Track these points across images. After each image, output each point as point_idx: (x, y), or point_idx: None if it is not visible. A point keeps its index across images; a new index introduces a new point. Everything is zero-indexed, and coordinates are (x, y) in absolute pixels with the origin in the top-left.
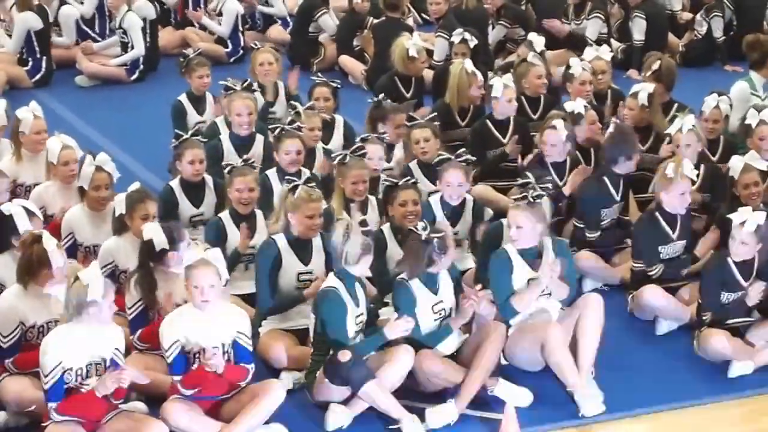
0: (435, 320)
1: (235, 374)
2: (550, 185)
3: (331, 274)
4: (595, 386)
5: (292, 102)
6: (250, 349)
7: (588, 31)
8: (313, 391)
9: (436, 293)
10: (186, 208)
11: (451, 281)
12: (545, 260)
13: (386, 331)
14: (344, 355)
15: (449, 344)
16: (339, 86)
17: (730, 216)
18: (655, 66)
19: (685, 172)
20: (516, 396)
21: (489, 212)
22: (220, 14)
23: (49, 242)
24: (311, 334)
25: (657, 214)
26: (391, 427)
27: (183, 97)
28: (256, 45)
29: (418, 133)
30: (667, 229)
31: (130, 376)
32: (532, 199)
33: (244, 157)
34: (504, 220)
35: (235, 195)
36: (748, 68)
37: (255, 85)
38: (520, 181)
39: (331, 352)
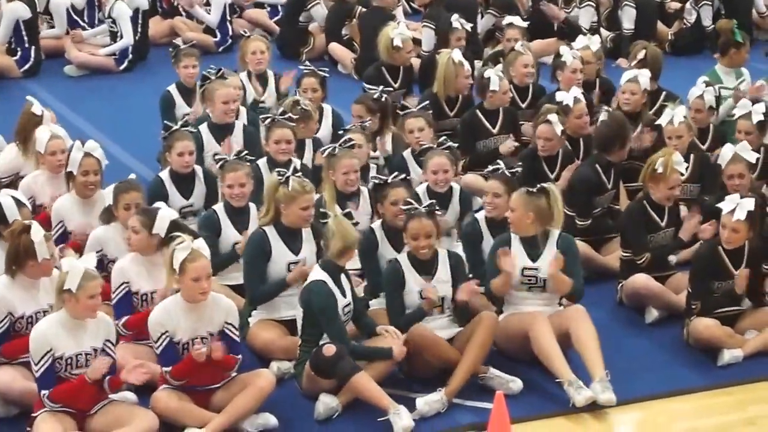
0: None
1: (223, 362)
2: (519, 170)
3: (317, 266)
4: (611, 391)
5: (297, 98)
6: (238, 339)
7: (581, 20)
8: (303, 381)
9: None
10: (176, 199)
11: (449, 269)
12: (547, 254)
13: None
14: (329, 350)
15: (441, 334)
16: (327, 75)
17: (719, 205)
18: (641, 55)
19: (675, 166)
20: (506, 384)
21: (478, 201)
22: (207, 4)
23: (37, 233)
24: (299, 325)
25: (645, 203)
26: (380, 419)
27: (172, 88)
28: (245, 33)
29: (413, 122)
30: (656, 217)
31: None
32: (536, 190)
33: (236, 149)
34: (478, 215)
35: (227, 191)
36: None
37: (245, 74)
38: (490, 167)
39: (320, 343)
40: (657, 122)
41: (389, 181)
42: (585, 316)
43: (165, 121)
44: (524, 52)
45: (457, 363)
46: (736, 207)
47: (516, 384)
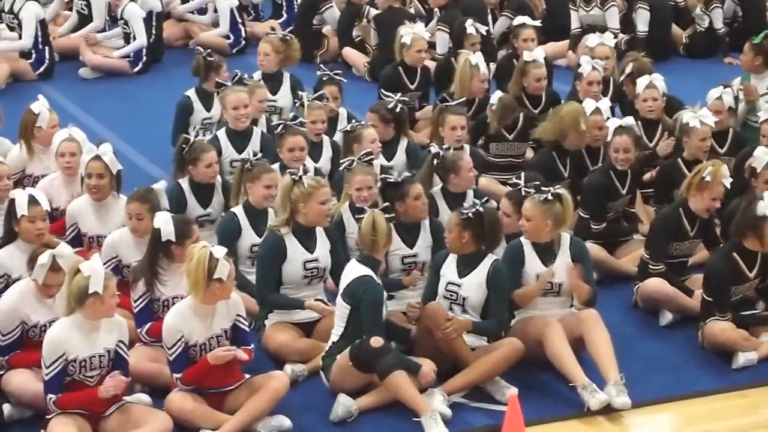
0: (445, 298)
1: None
2: (540, 186)
3: (356, 261)
4: (626, 395)
5: (299, 92)
6: (248, 329)
7: (610, 23)
8: (331, 373)
9: (460, 277)
10: (194, 208)
11: (486, 276)
12: (560, 259)
13: (421, 375)
14: (377, 341)
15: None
16: (343, 80)
17: (760, 207)
18: (628, 69)
19: (723, 179)
20: (501, 390)
21: (492, 203)
22: (215, 11)
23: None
24: (343, 319)
25: (680, 210)
26: (415, 419)
27: (191, 93)
28: (273, 30)
29: (456, 119)
30: (687, 226)
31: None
32: (551, 197)
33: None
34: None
35: (264, 192)
36: None
37: (258, 74)
38: (513, 180)
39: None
40: (690, 126)
41: (402, 179)
42: (598, 320)
43: (176, 128)
44: (539, 64)
45: (465, 360)
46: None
47: (510, 390)
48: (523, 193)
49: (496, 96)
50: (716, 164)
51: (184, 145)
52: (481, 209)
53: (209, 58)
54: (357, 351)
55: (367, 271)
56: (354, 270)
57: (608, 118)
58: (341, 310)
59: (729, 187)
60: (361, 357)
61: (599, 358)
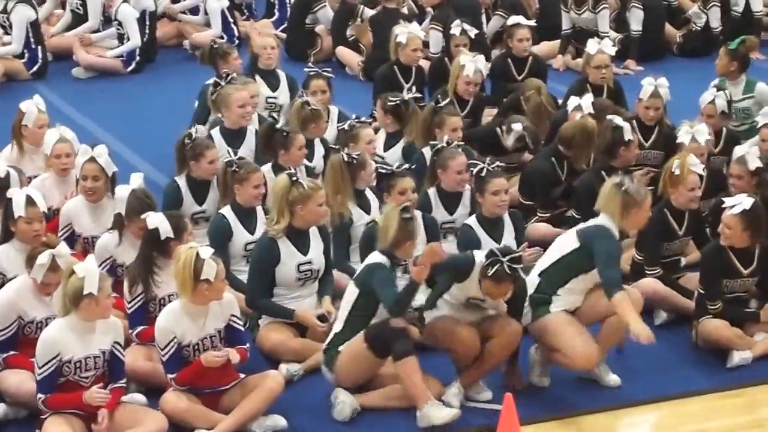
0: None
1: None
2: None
3: (376, 252)
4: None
5: (306, 99)
6: (243, 329)
7: (600, 25)
8: (335, 365)
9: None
10: (190, 205)
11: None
12: None
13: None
14: (398, 323)
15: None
16: (332, 77)
17: (724, 199)
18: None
19: (692, 167)
20: (479, 393)
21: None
22: (206, 13)
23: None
24: (350, 303)
25: (666, 210)
26: (418, 411)
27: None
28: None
29: (455, 121)
30: (675, 225)
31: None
32: None
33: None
34: (470, 220)
35: (254, 192)
36: None
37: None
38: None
39: (363, 330)
40: (679, 141)
41: (394, 170)
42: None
43: (197, 116)
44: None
45: (475, 351)
46: (735, 204)
47: (487, 393)
48: (484, 173)
49: (517, 125)
50: (682, 156)
51: (187, 140)
52: (519, 273)
53: (214, 46)
54: (376, 331)
55: (381, 258)
56: (370, 258)
57: (591, 114)
58: (350, 295)
59: (703, 174)
60: (380, 336)
61: (603, 338)
